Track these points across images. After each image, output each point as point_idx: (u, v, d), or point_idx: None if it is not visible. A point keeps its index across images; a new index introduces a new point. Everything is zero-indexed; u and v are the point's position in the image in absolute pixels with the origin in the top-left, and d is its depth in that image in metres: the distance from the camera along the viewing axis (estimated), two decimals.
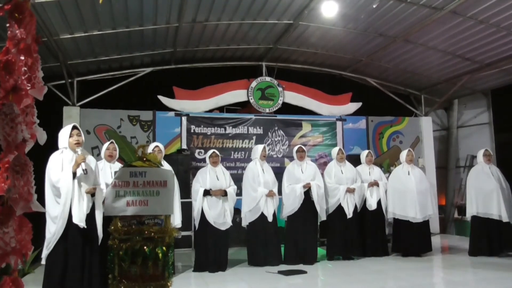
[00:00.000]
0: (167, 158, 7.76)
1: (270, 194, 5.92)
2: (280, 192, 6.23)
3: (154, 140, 8.46)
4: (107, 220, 4.15)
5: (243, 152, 8.90)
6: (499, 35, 7.18)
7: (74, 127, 3.97)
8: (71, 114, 8.03)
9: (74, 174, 3.74)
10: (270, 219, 5.86)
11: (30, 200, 1.78)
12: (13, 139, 1.76)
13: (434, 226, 9.72)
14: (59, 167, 3.73)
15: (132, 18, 6.73)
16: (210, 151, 5.91)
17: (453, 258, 6.45)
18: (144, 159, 3.07)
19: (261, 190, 5.89)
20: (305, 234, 6.01)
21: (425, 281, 5.11)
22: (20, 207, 1.75)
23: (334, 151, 6.69)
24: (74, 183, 3.72)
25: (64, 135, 3.95)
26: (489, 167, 6.52)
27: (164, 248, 2.93)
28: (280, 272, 5.35)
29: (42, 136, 2.01)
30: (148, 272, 2.92)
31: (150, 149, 5.41)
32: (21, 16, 1.82)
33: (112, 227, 3.01)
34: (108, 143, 4.87)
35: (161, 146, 5.64)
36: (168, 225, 3.01)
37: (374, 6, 6.54)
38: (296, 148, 6.45)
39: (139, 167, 3.04)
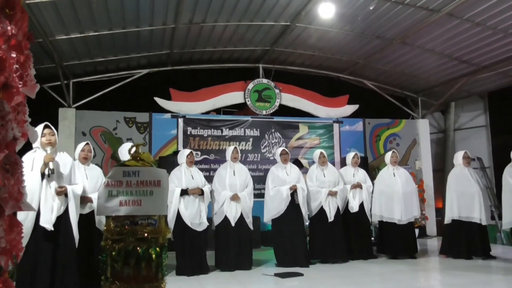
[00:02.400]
0: (163, 160, 7.76)
1: (233, 198, 5.75)
2: (263, 195, 6.14)
3: (150, 142, 8.43)
4: (88, 219, 4.08)
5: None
6: (495, 38, 7.20)
7: (46, 126, 3.83)
8: (67, 116, 8.00)
9: (43, 175, 3.62)
10: (233, 223, 5.68)
11: (20, 200, 1.74)
12: (3, 137, 1.73)
13: (432, 228, 9.73)
14: (30, 167, 3.59)
15: (129, 19, 6.70)
16: (187, 151, 5.85)
17: (451, 261, 6.42)
18: (138, 158, 3.04)
19: (224, 193, 5.76)
20: (293, 237, 5.90)
21: (424, 283, 5.08)
22: (10, 207, 1.72)
23: (316, 154, 6.59)
24: (42, 184, 3.60)
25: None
26: (467, 170, 6.52)
27: (157, 249, 2.89)
28: (276, 275, 5.32)
29: (33, 135, 1.98)
30: (141, 273, 2.87)
31: (126, 148, 5.04)
32: (12, 12, 1.79)
33: (105, 228, 2.97)
34: (82, 144, 4.58)
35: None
36: (162, 225, 2.97)
37: (371, 8, 6.55)
38: (280, 150, 6.34)
39: (133, 166, 3.01)
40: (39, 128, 3.80)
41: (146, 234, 2.94)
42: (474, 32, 7.10)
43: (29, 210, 1.97)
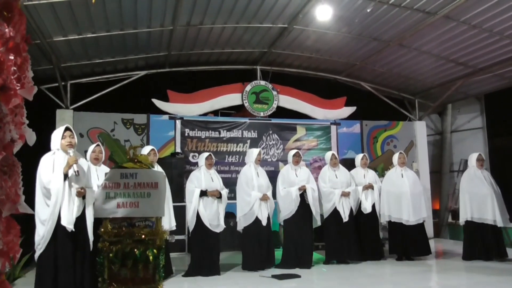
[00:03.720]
0: (161, 161, 7.75)
1: (264, 198, 5.89)
2: (274, 196, 6.22)
3: (148, 144, 8.42)
4: (98, 222, 4.14)
5: (237, 156, 8.88)
6: (492, 40, 7.23)
7: (67, 129, 3.92)
8: (65, 117, 7.97)
9: (65, 176, 3.69)
10: (264, 223, 5.84)
11: (18, 201, 1.75)
12: (0, 139, 1.73)
13: (428, 230, 9.72)
14: (50, 168, 3.68)
15: (127, 21, 6.71)
16: (206, 154, 5.95)
17: (448, 262, 6.45)
18: (135, 160, 3.04)
19: (255, 194, 5.87)
20: (301, 238, 5.99)
21: (420, 285, 5.10)
22: (7, 209, 1.72)
23: (328, 156, 6.71)
24: (64, 185, 3.67)
25: (56, 137, 3.90)
26: (481, 172, 6.53)
27: (155, 250, 2.89)
28: (274, 276, 5.33)
29: (31, 137, 1.98)
30: (138, 275, 2.88)
31: (145, 151, 5.41)
32: (10, 14, 1.80)
33: (102, 229, 2.97)
34: (93, 145, 4.77)
35: (155, 150, 5.65)
36: (159, 227, 2.98)
37: (368, 10, 6.56)
38: (293, 152, 6.45)
39: (130, 168, 3.01)
40: (60, 131, 3.91)
41: (143, 236, 2.95)
42: (470, 34, 7.13)
43: (26, 212, 1.98)
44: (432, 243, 8.76)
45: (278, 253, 6.18)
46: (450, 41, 7.47)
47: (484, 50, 7.65)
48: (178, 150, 8.46)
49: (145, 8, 6.36)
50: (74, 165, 3.68)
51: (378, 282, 5.17)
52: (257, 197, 5.85)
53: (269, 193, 6.02)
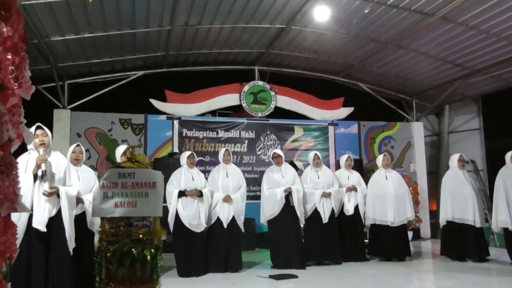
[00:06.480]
0: (158, 161, 7.76)
1: (225, 199, 5.79)
2: (258, 197, 6.18)
3: (145, 144, 8.42)
4: (79, 220, 4.07)
5: (235, 156, 8.87)
6: (489, 41, 7.27)
7: (39, 127, 3.81)
8: (62, 117, 7.97)
9: (35, 176, 3.61)
10: (225, 225, 5.71)
11: (15, 201, 1.75)
12: None
13: (425, 231, 9.77)
14: (23, 169, 3.57)
15: (124, 21, 6.70)
16: (188, 153, 5.88)
17: (444, 263, 6.46)
18: (133, 160, 3.04)
19: (217, 195, 5.80)
20: (288, 239, 5.92)
21: (418, 286, 5.11)
22: (5, 208, 1.72)
23: (310, 156, 6.64)
24: (34, 186, 3.60)
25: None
26: (462, 173, 6.59)
27: (152, 250, 2.89)
28: (271, 277, 5.33)
29: (28, 137, 1.98)
30: (136, 275, 2.87)
31: (120, 151, 5.25)
32: (8, 14, 1.79)
33: (100, 229, 2.97)
34: (73, 146, 4.63)
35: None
36: (157, 227, 2.98)
37: (366, 11, 6.58)
38: (271, 154, 6.42)
39: (128, 168, 3.01)
40: (32, 130, 3.78)
41: (141, 236, 2.94)
42: (467, 36, 7.16)
43: (24, 212, 1.97)
44: (429, 244, 8.82)
45: (266, 254, 6.15)
46: (447, 43, 7.50)
47: (481, 51, 7.69)
48: (176, 150, 8.45)
49: (143, 8, 6.36)
50: (42, 165, 3.60)
51: (376, 283, 5.17)
52: (218, 198, 5.77)
53: (238, 194, 5.86)
